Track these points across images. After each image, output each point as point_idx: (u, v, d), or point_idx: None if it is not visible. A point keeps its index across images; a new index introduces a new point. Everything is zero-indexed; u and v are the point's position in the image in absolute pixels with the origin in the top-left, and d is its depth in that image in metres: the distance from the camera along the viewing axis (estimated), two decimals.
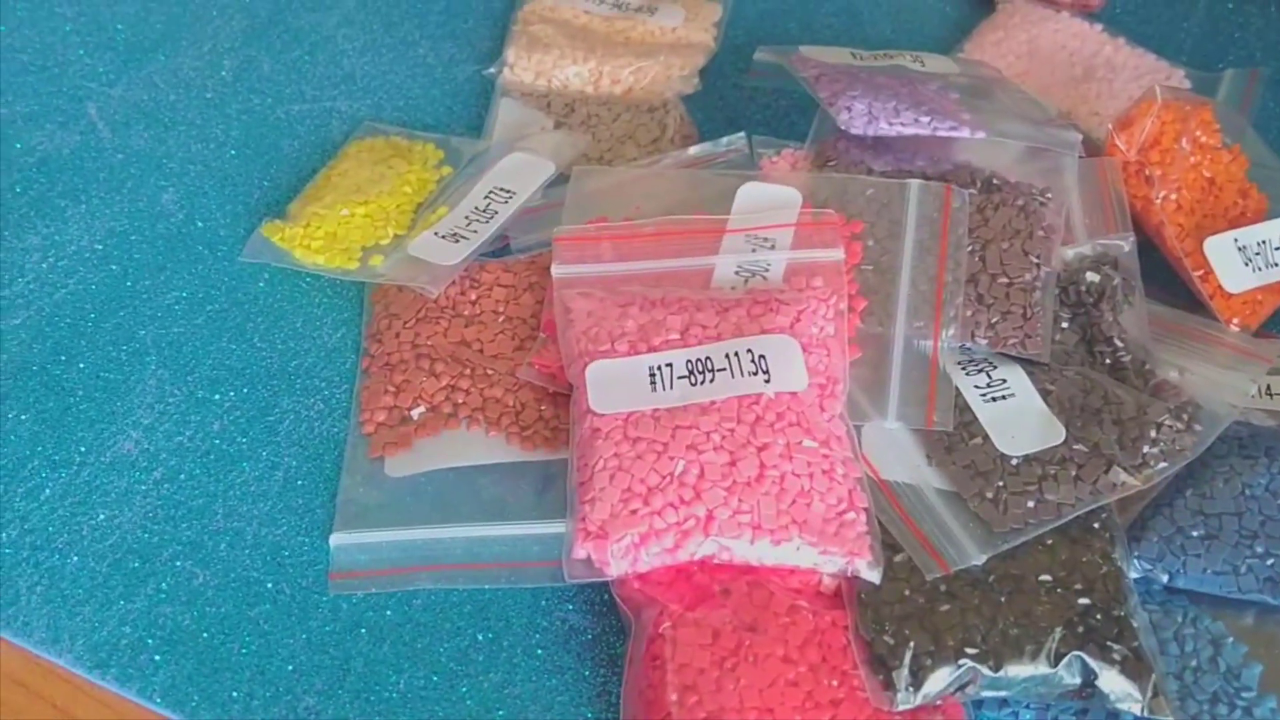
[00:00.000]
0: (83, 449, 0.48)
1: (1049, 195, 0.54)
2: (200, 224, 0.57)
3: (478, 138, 0.62)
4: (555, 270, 0.51)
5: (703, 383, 0.46)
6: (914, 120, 0.57)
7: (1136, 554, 0.45)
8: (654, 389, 0.46)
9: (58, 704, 0.43)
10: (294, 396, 0.51)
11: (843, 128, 0.56)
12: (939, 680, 0.41)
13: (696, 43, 0.66)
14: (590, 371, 0.47)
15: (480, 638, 0.44)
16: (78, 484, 0.47)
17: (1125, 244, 0.53)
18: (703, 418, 0.45)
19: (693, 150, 0.59)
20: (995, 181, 0.54)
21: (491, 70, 0.65)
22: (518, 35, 0.66)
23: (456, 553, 0.46)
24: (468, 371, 0.51)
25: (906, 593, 0.43)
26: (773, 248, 0.51)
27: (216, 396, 0.50)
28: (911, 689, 0.41)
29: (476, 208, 0.56)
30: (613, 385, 0.46)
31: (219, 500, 0.47)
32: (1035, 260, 0.51)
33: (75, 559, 0.44)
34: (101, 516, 0.45)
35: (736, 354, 0.46)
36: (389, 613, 0.44)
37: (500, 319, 0.53)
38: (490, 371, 0.51)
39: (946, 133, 0.56)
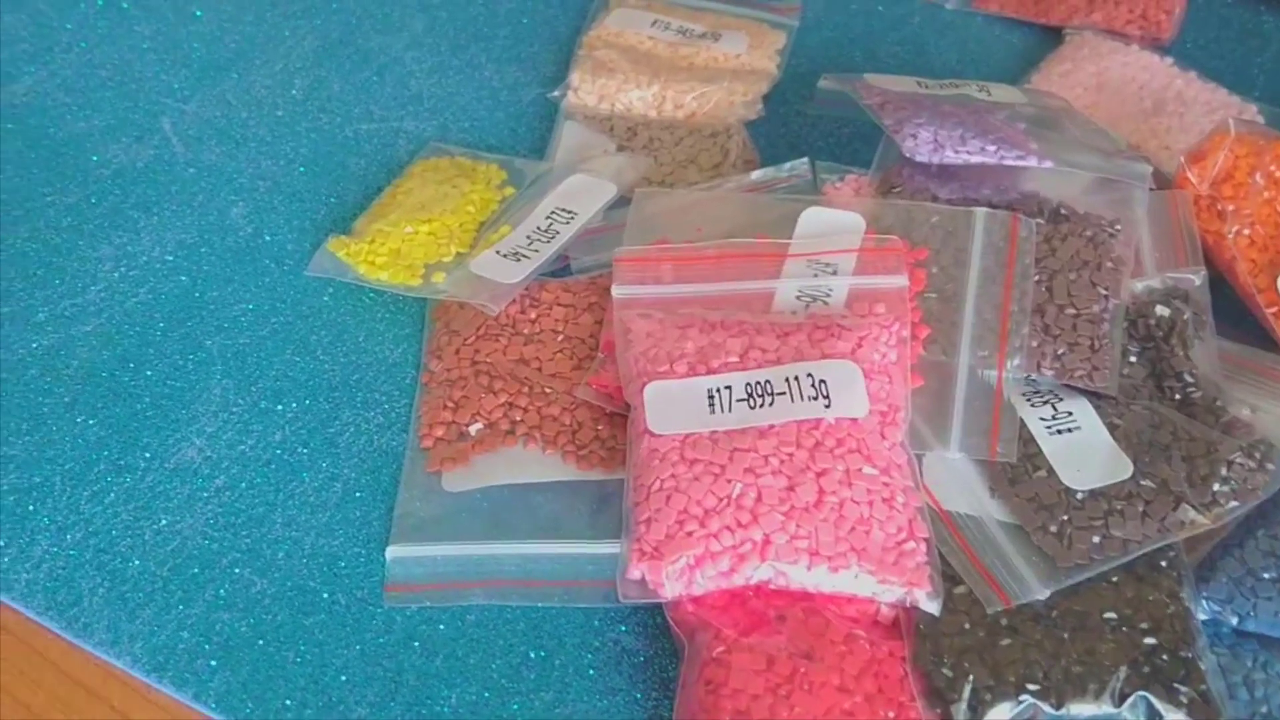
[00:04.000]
0: (147, 455, 0.49)
1: (1118, 227, 0.53)
2: (268, 238, 0.58)
3: (541, 159, 0.62)
4: (615, 291, 0.52)
5: (762, 406, 0.45)
6: (980, 149, 0.57)
7: (1205, 595, 0.44)
8: (712, 411, 0.45)
9: (115, 705, 0.43)
10: (354, 409, 0.51)
11: (908, 155, 0.55)
12: (998, 716, 0.40)
13: (759, 70, 0.66)
14: (649, 392, 0.47)
15: (533, 655, 0.44)
16: (141, 489, 0.47)
17: (1196, 278, 0.52)
18: (761, 441, 0.44)
19: (755, 175, 0.59)
20: (1063, 211, 0.54)
21: (556, 94, 0.65)
22: (582, 59, 0.66)
23: (510, 569, 0.46)
24: (526, 389, 0.51)
25: (966, 625, 0.42)
26: (835, 273, 0.51)
27: (279, 407, 0.51)
28: None
29: (538, 227, 0.57)
30: (671, 406, 0.46)
31: (278, 509, 0.48)
32: (1103, 292, 0.50)
33: (137, 563, 0.45)
34: (164, 522, 0.46)
35: (797, 378, 0.46)
36: (442, 627, 0.44)
37: (559, 338, 0.53)
38: (548, 390, 0.51)
39: (1014, 161, 0.56)
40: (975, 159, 0.56)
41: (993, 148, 0.56)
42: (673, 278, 0.52)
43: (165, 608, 0.44)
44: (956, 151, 0.57)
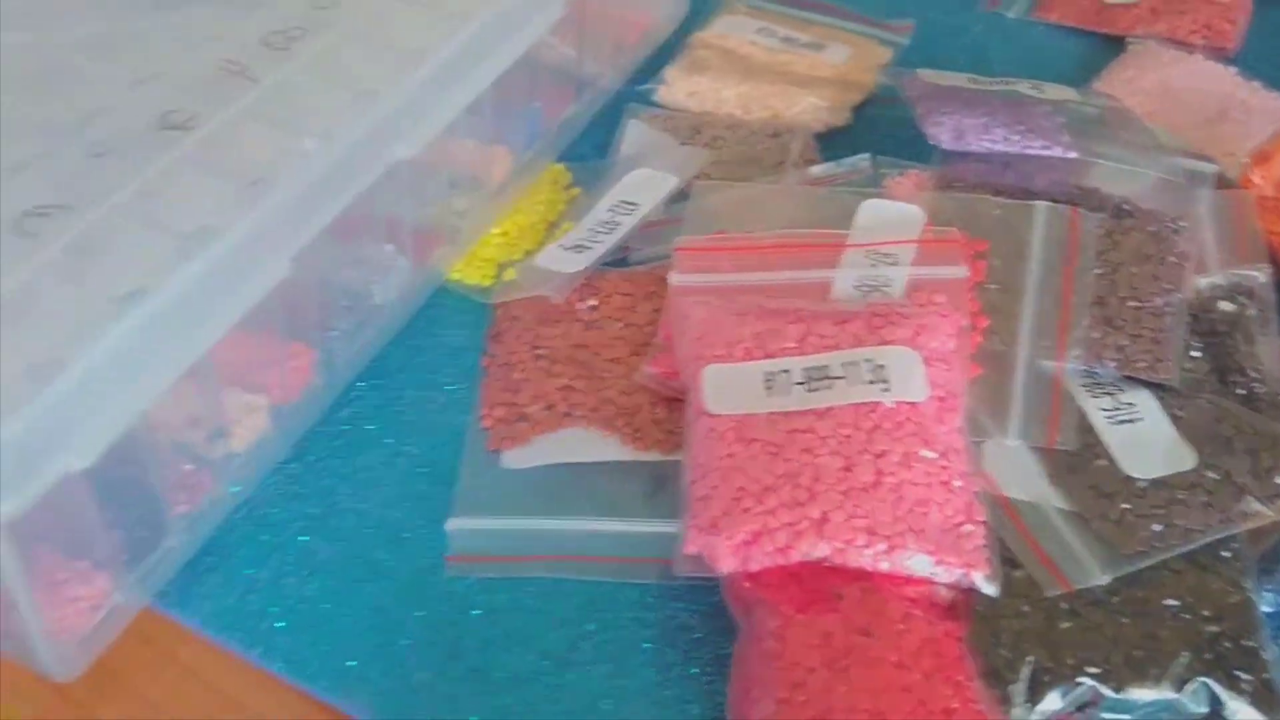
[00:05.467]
0: None
1: (1181, 223, 0.53)
2: None
3: (603, 158, 0.63)
4: (674, 279, 0.52)
5: (820, 389, 0.46)
6: (1004, 138, 0.57)
7: (1268, 588, 0.44)
8: (770, 393, 0.46)
9: (184, 662, 0.44)
10: (418, 390, 0.52)
11: (931, 142, 0.57)
12: (1057, 698, 0.40)
13: (855, 81, 0.67)
14: (706, 373, 0.47)
15: (589, 628, 0.44)
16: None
17: (1261, 275, 0.52)
18: (819, 422, 0.44)
19: (815, 170, 0.59)
20: (1126, 208, 0.54)
21: (647, 86, 0.66)
22: (683, 57, 0.68)
23: (568, 544, 0.46)
24: (584, 374, 0.52)
25: (1025, 609, 0.42)
26: (894, 264, 0.51)
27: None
28: (1028, 705, 0.40)
29: (600, 220, 0.58)
30: (728, 387, 0.46)
31: (345, 481, 0.49)
32: (1166, 286, 0.50)
33: (206, 528, 0.46)
34: (235, 489, 0.47)
35: (855, 364, 0.46)
36: (501, 597, 0.45)
37: (618, 325, 0.54)
38: (606, 374, 0.52)
39: (1038, 151, 0.57)
40: (998, 147, 0.58)
41: (1016, 137, 0.57)
42: (731, 267, 0.53)
43: (234, 571, 0.45)
44: (978, 140, 0.58)
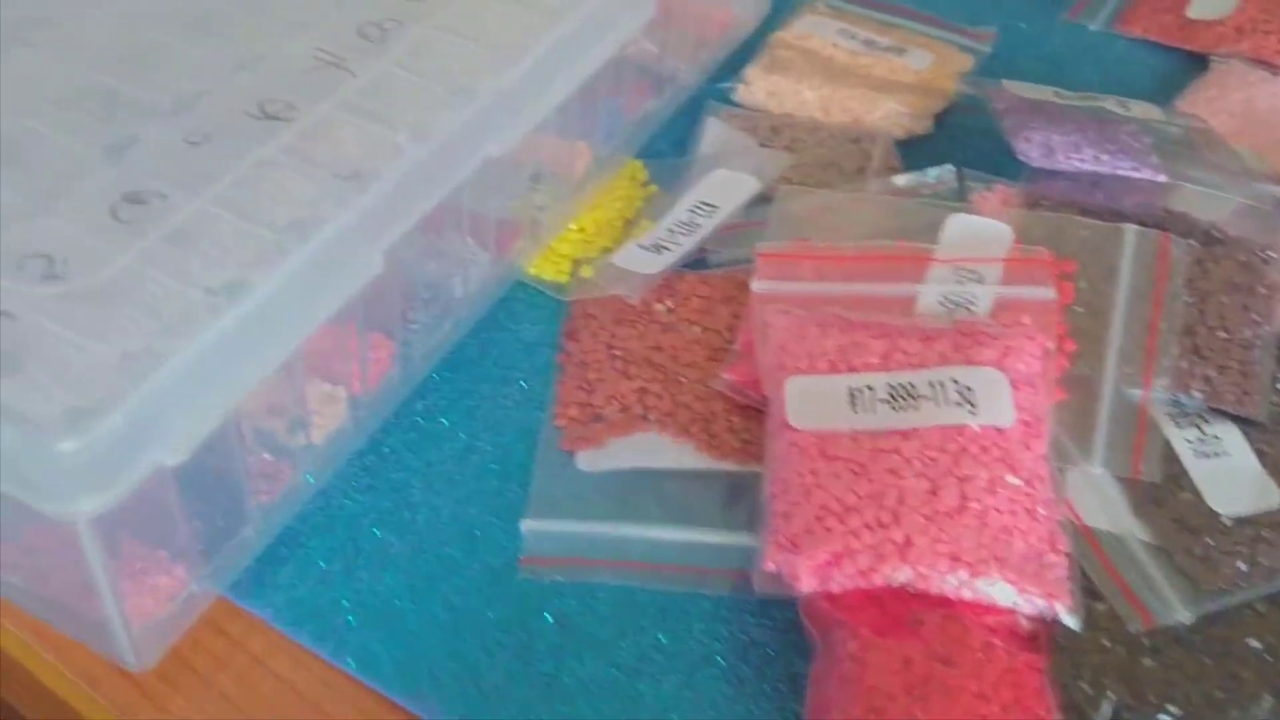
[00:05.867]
0: None
1: (1271, 253, 0.52)
2: None
3: (680, 156, 0.63)
4: (755, 285, 0.52)
5: (905, 409, 0.45)
6: (1094, 157, 0.57)
7: None
8: (854, 410, 0.45)
9: (255, 653, 0.44)
10: (492, 385, 0.52)
11: (1020, 158, 0.56)
12: None
13: (937, 88, 0.66)
14: (789, 386, 0.47)
15: (661, 639, 0.44)
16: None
17: None
18: (904, 443, 0.44)
19: (899, 180, 0.59)
20: (1215, 234, 0.53)
21: (726, 85, 0.66)
22: (763, 57, 0.67)
23: (639, 551, 0.46)
24: (660, 376, 0.51)
25: (1106, 643, 0.42)
26: (980, 281, 0.51)
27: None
28: None
29: (680, 220, 0.57)
30: (811, 402, 0.46)
31: (418, 475, 0.48)
32: (1256, 317, 0.49)
33: (282, 518, 0.46)
34: (311, 480, 0.47)
35: (941, 383, 0.46)
36: (573, 602, 0.45)
37: (695, 329, 0.53)
38: (682, 379, 0.51)
39: (1127, 172, 0.56)
40: (1086, 167, 0.57)
41: (1106, 157, 0.56)
42: (813, 275, 0.52)
43: (306, 563, 0.45)
44: (1068, 158, 0.57)
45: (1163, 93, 0.67)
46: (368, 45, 0.46)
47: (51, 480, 0.33)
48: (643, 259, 0.55)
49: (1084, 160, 0.55)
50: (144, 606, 0.40)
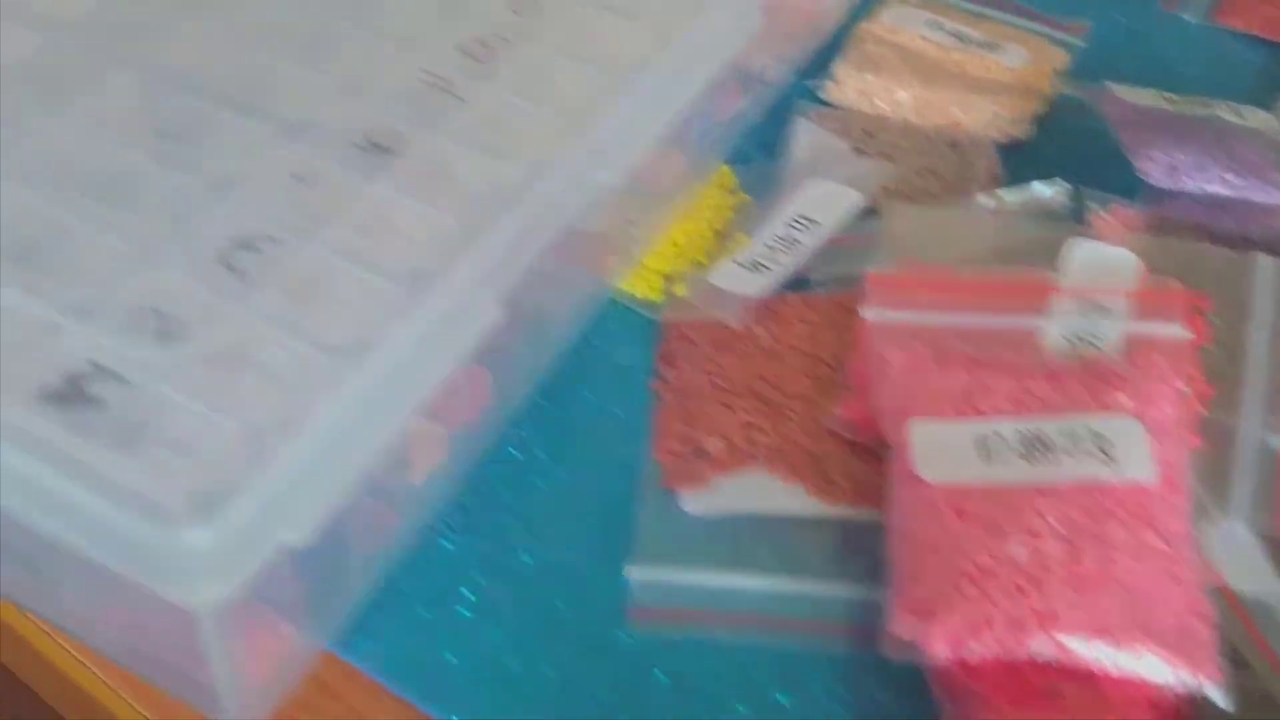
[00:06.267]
0: None
1: None
2: None
3: (770, 160, 0.60)
4: (867, 314, 0.49)
5: (1039, 460, 0.43)
6: (1220, 179, 0.54)
7: None
8: (985, 461, 0.43)
9: (354, 706, 0.42)
10: (588, 415, 0.50)
11: (1141, 178, 0.53)
12: None
13: (1034, 88, 0.63)
14: (913, 431, 0.44)
15: (780, 699, 0.42)
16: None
17: None
18: (1041, 499, 0.42)
19: (1009, 196, 0.56)
20: None
21: (815, 82, 0.63)
22: (851, 51, 0.64)
23: (752, 603, 0.44)
24: (766, 409, 0.49)
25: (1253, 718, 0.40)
26: (1107, 316, 0.48)
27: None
28: None
29: (778, 236, 0.54)
30: (937, 449, 0.44)
31: (517, 516, 0.46)
32: None
33: (383, 565, 0.44)
34: (411, 524, 0.45)
35: (1076, 434, 0.43)
36: (686, 658, 0.43)
37: (800, 357, 0.51)
38: (790, 413, 0.49)
39: (1260, 197, 0.53)
40: (1212, 189, 0.54)
41: (1233, 178, 0.53)
42: (928, 304, 0.50)
43: (407, 611, 0.43)
44: (1193, 179, 0.54)
45: (1265, 89, 0.64)
46: (474, 66, 0.43)
47: (173, 567, 0.31)
48: (742, 278, 0.53)
49: (1210, 182, 0.53)
50: (251, 668, 0.38)
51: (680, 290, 0.53)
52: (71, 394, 0.32)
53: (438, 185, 0.39)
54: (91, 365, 0.32)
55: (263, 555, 0.32)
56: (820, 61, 0.65)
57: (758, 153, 0.61)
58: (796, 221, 0.55)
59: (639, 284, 0.54)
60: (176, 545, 0.30)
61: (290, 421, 0.33)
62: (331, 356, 0.34)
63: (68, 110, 0.39)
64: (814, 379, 0.50)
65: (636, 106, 0.43)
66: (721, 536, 0.46)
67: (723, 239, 0.55)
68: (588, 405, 0.50)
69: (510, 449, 0.48)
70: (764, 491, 0.47)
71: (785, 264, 0.53)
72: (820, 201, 0.56)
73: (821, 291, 0.54)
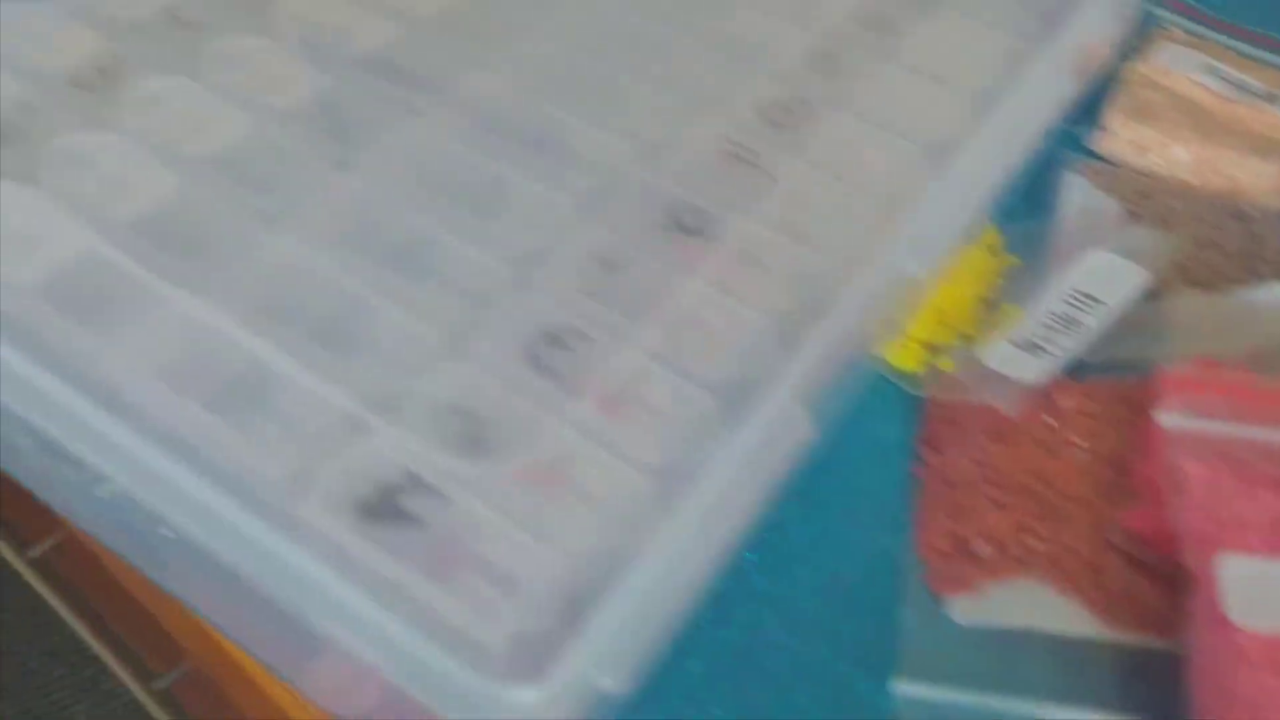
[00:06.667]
0: None
1: None
2: None
3: (1036, 218, 0.55)
4: (1163, 419, 0.45)
5: None
6: None
7: None
8: None
9: None
10: (846, 497, 0.47)
11: None
12: None
13: None
14: (1225, 567, 0.40)
15: None
16: None
17: None
18: None
19: None
20: None
21: (1083, 131, 0.58)
22: (1122, 97, 0.59)
23: None
24: (1041, 511, 0.45)
25: None
26: None
27: None
28: None
29: (1054, 313, 0.50)
30: (1257, 591, 0.40)
31: (773, 608, 0.44)
32: None
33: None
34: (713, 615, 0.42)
35: None
36: None
37: (1080, 453, 0.47)
38: (1068, 516, 0.45)
39: None
40: None
41: None
42: (1227, 412, 0.45)
43: (667, 708, 0.41)
44: None
45: None
46: (777, 135, 0.40)
47: (487, 716, 0.29)
48: (1017, 360, 0.49)
49: None
50: None
51: (945, 365, 0.50)
52: (385, 507, 0.30)
53: (747, 276, 0.36)
54: (406, 475, 0.30)
55: (583, 709, 0.30)
56: (1087, 105, 0.60)
57: (1020, 204, 0.56)
58: (1076, 299, 0.51)
59: (900, 353, 0.50)
60: (497, 699, 0.28)
61: (613, 553, 0.30)
62: (649, 478, 0.32)
63: (363, 163, 0.37)
64: (1094, 480, 0.46)
65: (953, 188, 0.40)
66: (994, 651, 0.43)
67: (990, 307, 0.52)
68: (845, 484, 0.47)
69: (768, 532, 0.45)
70: (1039, 604, 0.44)
71: (1065, 347, 0.49)
72: (1100, 276, 0.51)
73: (1100, 378, 0.49)
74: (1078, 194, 0.56)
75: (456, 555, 0.30)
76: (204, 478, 0.31)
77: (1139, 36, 0.62)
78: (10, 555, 0.81)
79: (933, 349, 0.50)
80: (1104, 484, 0.46)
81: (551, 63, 0.41)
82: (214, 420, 0.31)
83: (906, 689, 0.42)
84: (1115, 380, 0.49)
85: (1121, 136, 0.58)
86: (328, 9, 0.41)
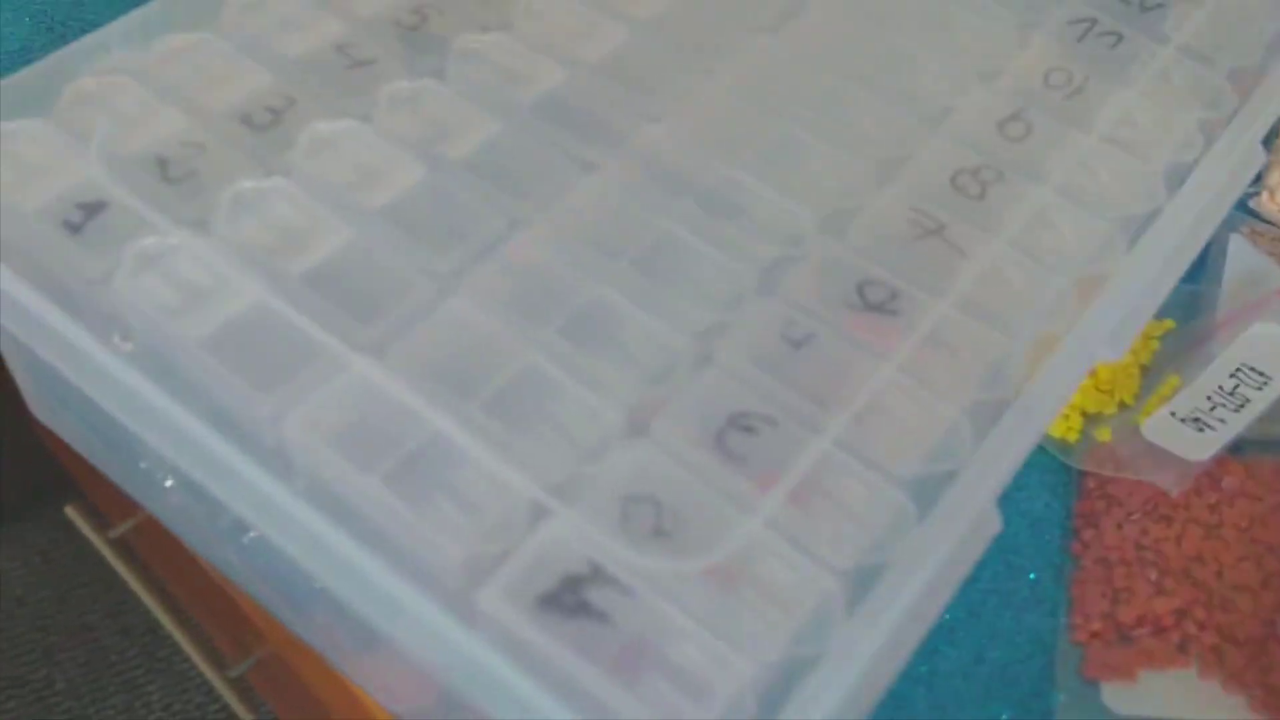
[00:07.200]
0: None
1: None
2: None
3: (1195, 280, 0.53)
4: None
5: None
6: None
7: None
8: None
9: None
10: (997, 573, 0.45)
11: None
12: None
13: None
14: None
15: None
16: None
17: None
18: None
19: None
20: None
21: (1248, 192, 0.55)
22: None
23: None
24: (1204, 598, 0.44)
25: None
26: None
27: None
28: None
29: (1222, 388, 0.48)
30: None
31: (923, 685, 0.42)
32: None
33: None
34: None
35: None
36: None
37: (1244, 538, 0.45)
38: (1232, 606, 0.43)
39: None
40: None
41: None
42: None
43: None
44: None
45: None
46: (968, 204, 0.38)
47: None
48: (1180, 436, 0.47)
49: None
50: None
51: (1103, 436, 0.48)
52: (568, 600, 0.29)
53: (936, 360, 0.34)
54: (589, 566, 0.29)
55: None
56: None
57: None
58: (1242, 373, 0.48)
59: (1056, 422, 0.48)
60: None
61: (801, 661, 0.29)
62: (839, 579, 0.30)
63: (536, 219, 0.36)
64: (1260, 569, 0.44)
65: (1147, 266, 0.38)
66: None
67: (1149, 375, 0.50)
68: (998, 562, 0.46)
69: None
70: (1199, 697, 0.42)
71: (1231, 424, 0.47)
72: (1266, 350, 0.49)
73: (1261, 455, 0.47)
74: (1239, 256, 0.54)
75: (641, 655, 0.29)
76: (377, 553, 0.30)
77: None
78: (91, 533, 0.82)
79: (1090, 418, 0.49)
80: (1271, 575, 0.44)
81: (730, 117, 0.39)
82: (392, 496, 0.30)
83: None
84: (1277, 458, 0.47)
85: (1279, 195, 0.56)
86: (500, 50, 0.40)
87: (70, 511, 0.81)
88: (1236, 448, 0.47)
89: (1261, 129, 0.42)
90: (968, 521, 0.32)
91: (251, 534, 0.39)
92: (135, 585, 0.82)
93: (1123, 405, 0.49)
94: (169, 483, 0.40)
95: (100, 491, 0.84)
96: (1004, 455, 0.33)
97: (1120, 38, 0.42)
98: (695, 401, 0.33)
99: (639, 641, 0.29)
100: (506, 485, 0.31)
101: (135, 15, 0.41)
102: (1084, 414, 0.49)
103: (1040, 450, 0.48)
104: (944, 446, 0.33)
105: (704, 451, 0.32)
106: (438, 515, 0.30)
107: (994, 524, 0.33)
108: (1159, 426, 0.47)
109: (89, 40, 0.40)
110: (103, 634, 1.07)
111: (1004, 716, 0.42)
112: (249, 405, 0.32)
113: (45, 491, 0.93)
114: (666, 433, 0.32)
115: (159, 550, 0.82)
